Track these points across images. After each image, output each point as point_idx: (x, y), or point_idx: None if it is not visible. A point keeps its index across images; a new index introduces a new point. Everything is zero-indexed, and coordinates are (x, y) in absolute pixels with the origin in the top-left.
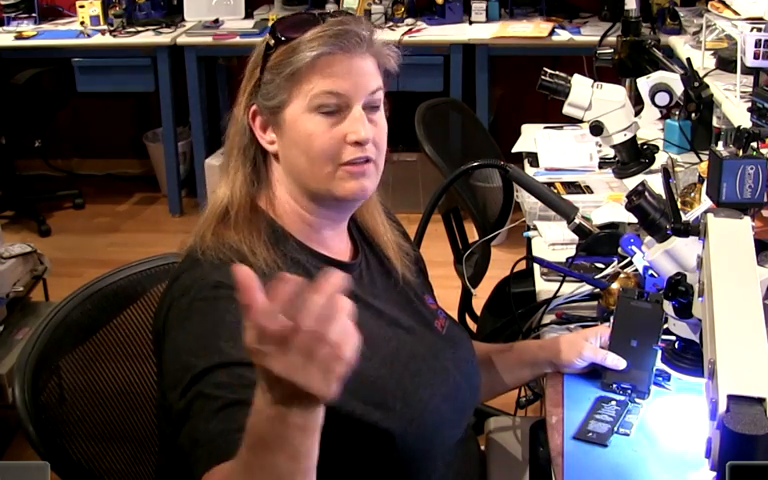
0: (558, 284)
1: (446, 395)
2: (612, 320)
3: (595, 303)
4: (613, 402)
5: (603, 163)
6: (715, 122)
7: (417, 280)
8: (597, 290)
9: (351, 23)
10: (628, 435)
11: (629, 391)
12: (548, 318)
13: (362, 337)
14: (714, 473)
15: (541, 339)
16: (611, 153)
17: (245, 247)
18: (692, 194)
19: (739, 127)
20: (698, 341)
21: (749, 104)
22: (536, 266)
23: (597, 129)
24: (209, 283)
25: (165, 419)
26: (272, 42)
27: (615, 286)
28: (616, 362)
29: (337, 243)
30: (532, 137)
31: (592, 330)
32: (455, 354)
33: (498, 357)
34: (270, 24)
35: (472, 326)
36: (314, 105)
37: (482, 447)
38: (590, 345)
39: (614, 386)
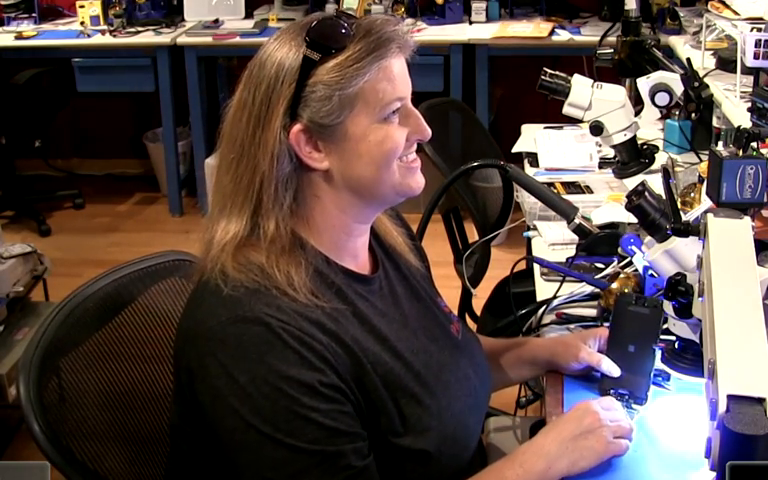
0: (558, 284)
1: (471, 405)
2: (609, 325)
3: (595, 303)
4: None
5: (603, 163)
6: (715, 122)
7: (428, 280)
8: (597, 290)
9: (384, 23)
10: None
11: (626, 397)
12: (548, 318)
13: (396, 350)
14: (714, 473)
15: (541, 338)
16: (611, 153)
17: (281, 275)
18: (692, 194)
19: (739, 127)
20: (698, 341)
21: (749, 104)
22: (536, 266)
23: (597, 129)
24: (254, 314)
25: (191, 436)
26: (316, 56)
27: (615, 286)
28: (610, 369)
29: (363, 253)
30: (532, 137)
31: (590, 332)
32: (472, 360)
33: (502, 353)
34: (306, 36)
35: (472, 326)
36: (384, 115)
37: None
38: (586, 348)
39: (611, 392)
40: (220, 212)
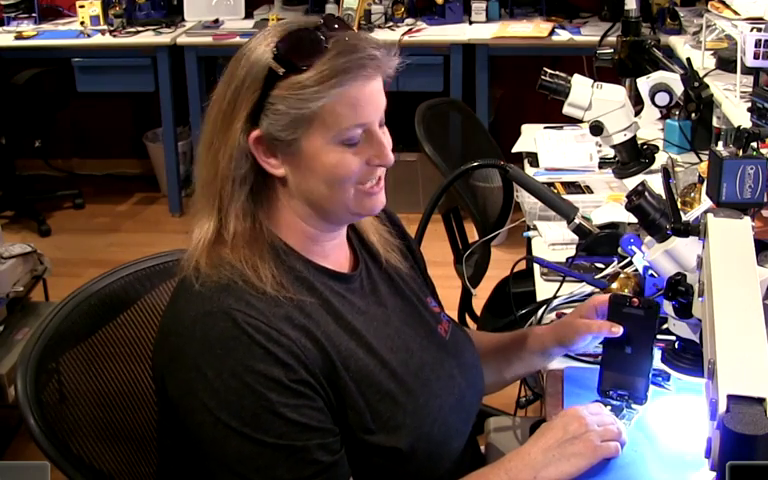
0: (558, 284)
1: (453, 406)
2: None
3: None
4: (608, 407)
5: (603, 163)
6: (715, 122)
7: (418, 280)
8: (597, 290)
9: (362, 44)
10: None
11: (626, 397)
12: (548, 318)
13: (371, 347)
14: (714, 473)
15: (543, 326)
16: (611, 153)
17: (247, 268)
18: (692, 194)
19: (739, 127)
20: (698, 341)
21: (749, 104)
22: (536, 266)
23: (597, 129)
24: (222, 309)
25: (173, 432)
26: (281, 70)
27: (615, 286)
28: (612, 330)
29: (338, 253)
30: (532, 137)
31: (586, 305)
32: (460, 360)
33: (509, 348)
34: (274, 46)
35: (472, 326)
36: (341, 139)
37: (482, 447)
38: (583, 321)
39: (611, 393)
40: (198, 207)
